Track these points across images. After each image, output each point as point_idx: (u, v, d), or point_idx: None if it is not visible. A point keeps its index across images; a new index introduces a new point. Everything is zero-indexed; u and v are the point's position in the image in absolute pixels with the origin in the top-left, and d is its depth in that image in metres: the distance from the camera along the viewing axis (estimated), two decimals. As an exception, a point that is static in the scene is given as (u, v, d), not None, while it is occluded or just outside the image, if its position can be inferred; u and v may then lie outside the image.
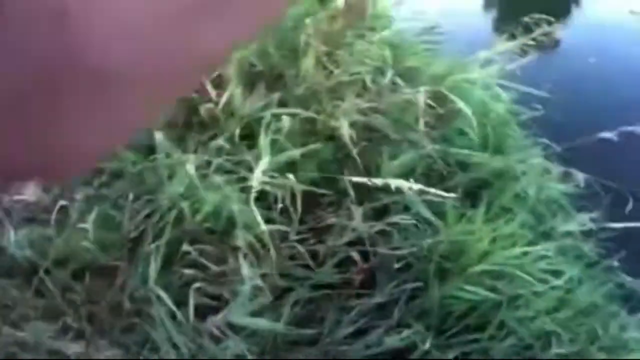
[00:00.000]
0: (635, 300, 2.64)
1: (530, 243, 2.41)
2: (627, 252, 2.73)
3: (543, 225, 2.70)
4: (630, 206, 2.84)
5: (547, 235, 2.65)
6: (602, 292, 2.59)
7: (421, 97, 2.34)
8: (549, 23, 3.08)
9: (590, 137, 2.95)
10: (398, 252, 2.19)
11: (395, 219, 2.22)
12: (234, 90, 2.39)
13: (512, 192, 2.61)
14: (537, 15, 3.14)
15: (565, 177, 2.91)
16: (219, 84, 2.47)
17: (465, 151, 2.65)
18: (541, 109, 3.06)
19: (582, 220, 2.80)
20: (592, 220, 2.79)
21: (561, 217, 2.82)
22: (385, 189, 2.28)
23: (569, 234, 2.74)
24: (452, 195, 2.21)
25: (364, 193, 2.30)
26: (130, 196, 2.13)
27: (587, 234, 2.85)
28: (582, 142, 2.96)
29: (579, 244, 2.77)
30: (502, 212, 2.46)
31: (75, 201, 2.12)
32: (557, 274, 2.42)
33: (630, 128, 2.89)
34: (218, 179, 2.08)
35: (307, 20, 2.67)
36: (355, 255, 2.18)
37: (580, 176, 2.83)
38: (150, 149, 2.29)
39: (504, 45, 2.98)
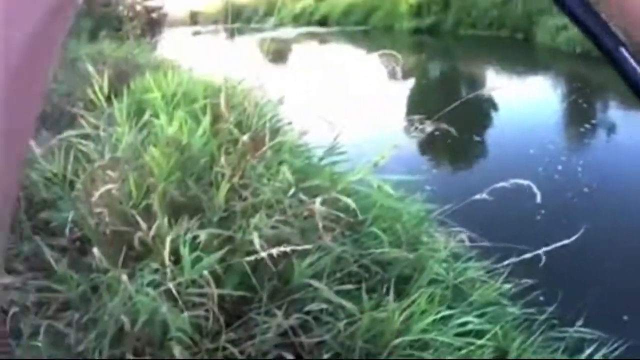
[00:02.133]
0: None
1: (448, 315, 2.78)
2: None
3: (463, 299, 3.11)
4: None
5: (469, 305, 3.05)
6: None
7: (317, 205, 2.76)
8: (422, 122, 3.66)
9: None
10: (318, 339, 2.51)
11: (313, 307, 2.55)
12: (161, 221, 2.77)
13: (426, 278, 3.02)
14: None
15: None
16: (148, 216, 2.86)
17: (378, 251, 3.07)
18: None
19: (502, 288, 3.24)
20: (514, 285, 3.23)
21: (480, 288, 3.24)
22: (301, 288, 2.66)
23: (490, 303, 3.15)
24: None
25: (282, 294, 2.66)
26: (76, 316, 2.42)
27: (512, 298, 3.28)
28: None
29: (503, 307, 3.18)
30: (417, 295, 2.84)
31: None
32: (480, 333, 2.79)
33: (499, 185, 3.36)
34: (151, 291, 2.40)
35: (220, 155, 3.13)
36: (286, 355, 2.47)
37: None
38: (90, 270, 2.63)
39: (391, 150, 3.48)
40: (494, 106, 11.11)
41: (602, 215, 5.74)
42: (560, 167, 7.48)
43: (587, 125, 9.67)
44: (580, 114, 10.67)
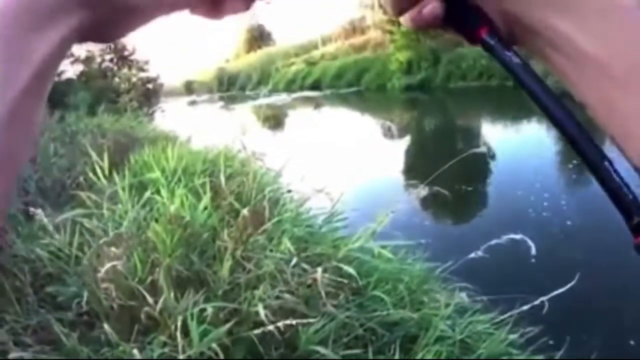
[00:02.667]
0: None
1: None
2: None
3: (472, 352, 3.14)
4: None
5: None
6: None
7: (319, 274, 2.83)
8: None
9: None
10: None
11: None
12: (167, 295, 2.83)
13: (433, 336, 3.05)
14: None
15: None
16: (154, 290, 2.93)
17: (383, 313, 3.13)
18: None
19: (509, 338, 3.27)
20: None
21: (487, 341, 3.26)
22: (308, 355, 2.71)
23: (499, 354, 3.19)
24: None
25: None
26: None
27: (520, 347, 3.31)
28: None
29: (515, 358, 3.21)
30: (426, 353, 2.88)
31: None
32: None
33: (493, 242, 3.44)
34: (162, 367, 2.45)
35: (222, 229, 3.22)
36: None
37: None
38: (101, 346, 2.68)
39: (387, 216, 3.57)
40: (491, 156, 11.28)
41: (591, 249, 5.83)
42: (546, 204, 7.71)
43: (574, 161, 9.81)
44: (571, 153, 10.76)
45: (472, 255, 3.42)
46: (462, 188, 8.61)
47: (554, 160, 10.51)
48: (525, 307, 3.25)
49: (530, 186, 8.59)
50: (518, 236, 3.26)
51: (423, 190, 3.62)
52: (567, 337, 3.43)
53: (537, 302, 3.21)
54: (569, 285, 3.22)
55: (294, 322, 2.39)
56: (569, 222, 6.98)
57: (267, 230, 3.36)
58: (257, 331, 2.58)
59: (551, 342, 3.43)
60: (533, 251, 3.13)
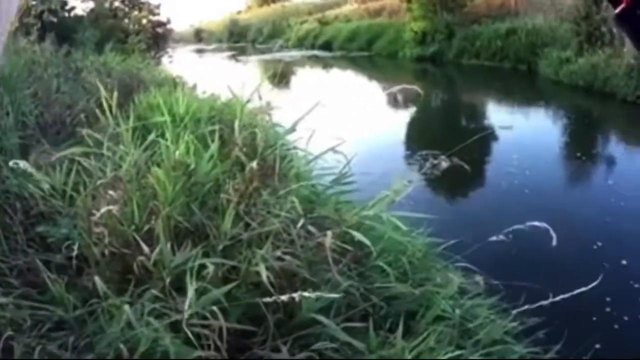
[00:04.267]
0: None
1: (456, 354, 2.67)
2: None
3: (469, 337, 3.01)
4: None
5: (475, 344, 2.95)
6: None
7: (328, 239, 2.68)
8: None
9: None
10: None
11: (321, 346, 2.46)
12: (163, 246, 2.67)
13: (432, 316, 2.92)
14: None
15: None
16: (150, 240, 2.77)
17: (384, 285, 2.98)
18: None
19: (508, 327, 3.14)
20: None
21: (487, 327, 3.13)
22: (308, 324, 2.57)
23: (498, 341, 3.06)
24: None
25: (288, 328, 2.56)
26: (71, 339, 2.32)
27: (516, 337, 3.19)
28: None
29: (510, 347, 3.08)
30: (425, 332, 2.75)
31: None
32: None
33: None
34: (153, 321, 2.30)
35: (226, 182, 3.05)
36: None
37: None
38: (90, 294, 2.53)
39: (400, 184, 3.42)
40: (494, 138, 11.11)
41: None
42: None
43: (584, 158, 9.67)
44: (579, 147, 10.67)
45: (493, 238, 3.27)
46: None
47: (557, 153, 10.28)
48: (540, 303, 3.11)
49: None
50: (540, 224, 3.09)
51: (444, 162, 3.44)
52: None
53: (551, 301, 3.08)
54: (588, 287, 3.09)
55: (303, 294, 2.23)
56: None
57: (273, 187, 3.20)
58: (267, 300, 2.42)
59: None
60: (554, 242, 2.98)
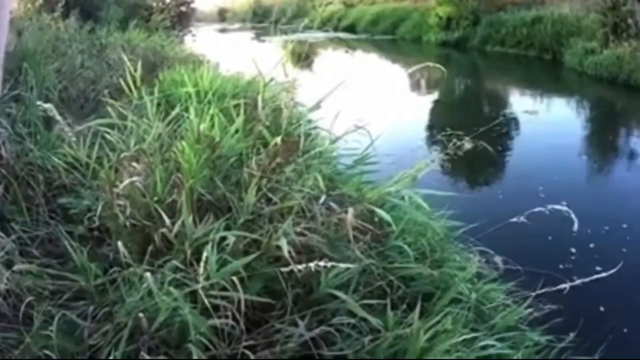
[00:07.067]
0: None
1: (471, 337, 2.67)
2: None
3: (484, 321, 3.02)
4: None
5: (490, 328, 2.96)
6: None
7: (350, 216, 2.67)
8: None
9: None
10: (340, 353, 2.42)
11: (338, 321, 2.46)
12: (186, 218, 2.69)
13: (448, 297, 2.91)
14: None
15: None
16: (172, 212, 2.79)
17: (403, 266, 2.98)
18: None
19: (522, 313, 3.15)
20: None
21: (503, 312, 3.14)
22: (325, 298, 2.57)
23: (512, 327, 3.07)
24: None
25: (306, 303, 2.57)
26: (91, 308, 2.35)
27: (531, 324, 3.18)
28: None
29: (525, 333, 3.09)
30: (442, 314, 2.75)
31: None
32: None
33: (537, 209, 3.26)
34: (174, 291, 2.32)
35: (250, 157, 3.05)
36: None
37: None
38: (110, 264, 2.55)
39: (424, 163, 3.41)
40: (516, 125, 11.02)
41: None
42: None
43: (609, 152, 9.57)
44: (602, 140, 10.56)
45: (514, 219, 3.24)
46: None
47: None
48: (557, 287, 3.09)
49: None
50: (563, 207, 3.06)
51: (467, 144, 3.42)
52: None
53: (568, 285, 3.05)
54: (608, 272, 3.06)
55: (320, 264, 2.23)
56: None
57: (296, 163, 3.20)
58: (285, 269, 2.42)
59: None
60: (575, 226, 2.95)
